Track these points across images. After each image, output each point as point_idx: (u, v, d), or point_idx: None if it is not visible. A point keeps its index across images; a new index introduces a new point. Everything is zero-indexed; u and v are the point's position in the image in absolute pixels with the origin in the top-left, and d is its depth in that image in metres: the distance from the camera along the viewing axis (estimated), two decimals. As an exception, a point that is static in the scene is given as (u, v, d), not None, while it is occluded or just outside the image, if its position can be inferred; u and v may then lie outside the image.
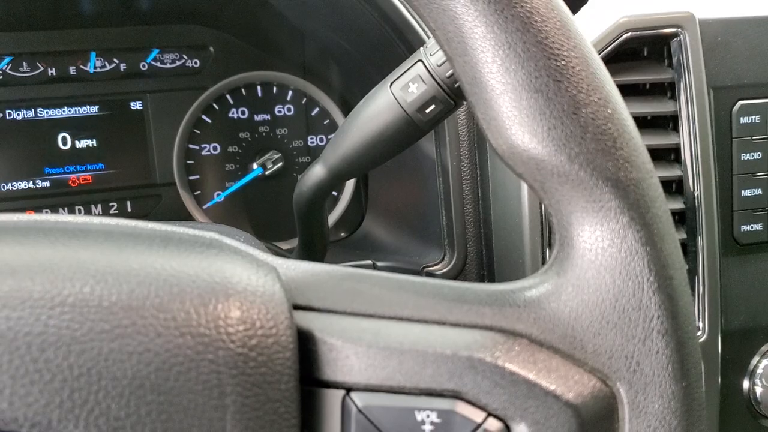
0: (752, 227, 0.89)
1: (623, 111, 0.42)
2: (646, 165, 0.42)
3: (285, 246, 1.15)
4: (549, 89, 0.41)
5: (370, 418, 0.40)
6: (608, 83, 0.42)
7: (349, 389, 0.41)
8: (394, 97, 0.69)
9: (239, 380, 0.37)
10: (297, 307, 0.43)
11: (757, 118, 0.87)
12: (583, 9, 0.87)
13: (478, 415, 0.40)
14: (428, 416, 0.40)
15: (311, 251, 0.86)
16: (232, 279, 0.40)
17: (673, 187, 0.86)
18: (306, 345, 0.41)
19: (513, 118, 0.42)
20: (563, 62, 0.41)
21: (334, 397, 0.41)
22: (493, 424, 0.40)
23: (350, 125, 0.72)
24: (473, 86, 0.43)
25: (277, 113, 1.18)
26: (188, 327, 0.38)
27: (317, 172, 0.76)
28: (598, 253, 0.42)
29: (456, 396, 0.41)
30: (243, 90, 1.16)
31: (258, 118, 1.17)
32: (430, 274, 0.93)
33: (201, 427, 0.37)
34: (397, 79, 0.70)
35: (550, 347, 0.43)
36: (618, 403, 0.42)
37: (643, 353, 0.42)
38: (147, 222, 0.45)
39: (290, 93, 1.18)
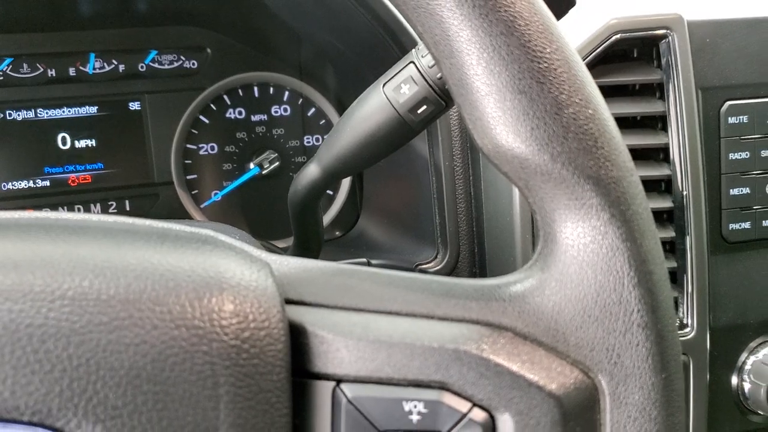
0: (740, 225, 0.90)
1: (604, 111, 0.43)
2: (627, 163, 0.44)
3: (281, 244, 1.16)
4: (532, 90, 0.42)
5: (359, 409, 0.42)
6: (589, 84, 0.43)
7: (339, 380, 0.42)
8: (387, 97, 0.70)
9: (232, 371, 0.39)
10: (289, 301, 0.44)
11: (744, 118, 0.89)
12: (572, 11, 0.88)
13: (463, 406, 0.42)
14: (415, 406, 0.42)
15: (306, 250, 0.87)
16: (226, 274, 0.41)
17: (662, 186, 0.87)
18: (298, 338, 0.42)
19: (497, 118, 0.43)
20: (545, 64, 0.42)
21: (324, 388, 0.42)
22: (478, 414, 0.42)
23: (344, 125, 0.74)
24: (459, 87, 0.44)
25: (273, 113, 1.19)
26: (183, 320, 0.39)
27: (311, 171, 0.78)
28: (580, 249, 0.44)
29: (442, 387, 0.42)
30: (240, 91, 1.18)
31: (255, 118, 1.18)
32: (423, 272, 0.94)
33: (195, 415, 0.38)
34: (389, 80, 0.71)
35: (534, 340, 0.44)
36: (599, 394, 0.43)
37: (623, 346, 0.43)
38: (145, 219, 0.46)
39: (287, 93, 1.19)
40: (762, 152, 0.89)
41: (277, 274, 0.45)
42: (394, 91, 0.70)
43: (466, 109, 0.44)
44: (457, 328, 0.44)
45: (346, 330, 0.43)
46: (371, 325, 0.44)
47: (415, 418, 0.42)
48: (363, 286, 0.46)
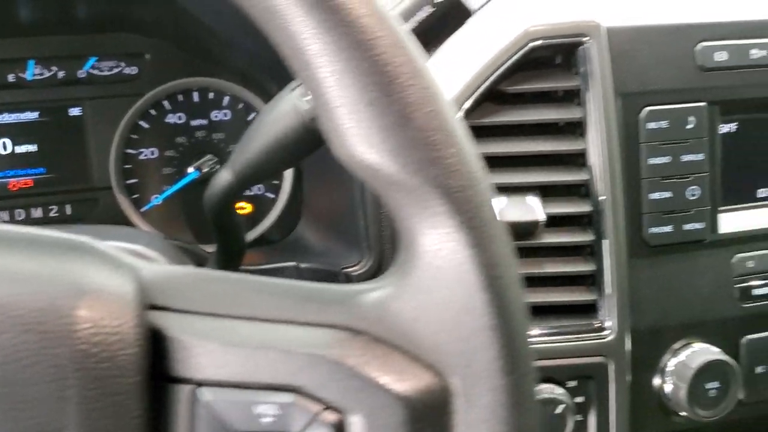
0: (662, 229, 0.91)
1: (451, 122, 0.45)
2: (473, 173, 0.45)
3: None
4: (381, 102, 0.43)
5: (215, 412, 0.43)
6: (437, 96, 0.44)
7: (199, 384, 0.44)
8: (293, 104, 0.71)
9: (81, 374, 0.40)
10: (155, 307, 0.45)
11: (664, 123, 0.90)
12: (493, 16, 0.89)
13: (315, 408, 0.43)
14: (268, 409, 0.43)
15: (228, 254, 0.88)
16: (84, 280, 0.42)
17: (583, 190, 0.88)
18: (159, 343, 0.44)
19: (350, 129, 0.44)
20: (393, 77, 0.43)
21: (183, 392, 0.44)
22: (328, 416, 0.43)
23: (255, 130, 0.74)
24: (315, 99, 0.45)
25: (213, 118, 1.19)
26: (36, 324, 0.40)
27: (224, 176, 0.78)
28: (433, 256, 0.45)
29: (295, 390, 0.43)
30: (180, 96, 1.18)
31: (195, 123, 1.19)
32: (349, 276, 0.95)
33: (43, 416, 0.40)
34: (297, 86, 0.72)
35: (389, 344, 0.45)
36: (452, 396, 0.45)
37: (473, 348, 0.44)
38: (23, 226, 0.47)
39: (227, 99, 1.20)
40: (682, 157, 0.91)
41: (145, 280, 0.46)
42: (300, 97, 0.71)
43: (322, 119, 0.45)
44: (315, 333, 0.45)
45: (207, 335, 0.44)
46: (232, 330, 0.45)
47: (267, 420, 0.43)
48: (230, 292, 0.47)
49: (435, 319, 0.45)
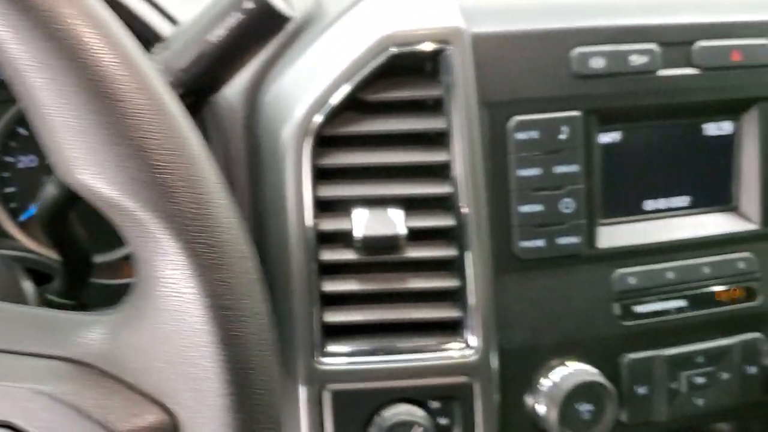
0: (533, 243, 0.88)
1: (176, 138, 0.41)
2: (201, 194, 0.42)
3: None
4: (90, 118, 0.40)
5: None
6: (161, 111, 0.41)
7: None
8: None
9: None
10: None
11: (535, 134, 0.87)
12: (356, 22, 0.85)
13: None
14: None
15: (73, 268, 0.85)
16: None
17: (447, 203, 0.85)
18: None
19: (62, 146, 0.41)
20: (103, 90, 0.40)
21: None
22: None
23: None
24: (27, 112, 0.42)
25: (96, 124, 1.15)
26: None
27: (50, 188, 0.75)
28: (157, 285, 0.42)
29: (8, 426, 0.40)
30: (61, 101, 1.14)
31: (77, 129, 1.15)
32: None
33: None
34: None
35: (115, 379, 0.42)
36: None
37: (200, 385, 0.41)
38: None
39: (110, 104, 1.16)
40: (555, 168, 0.88)
41: None
42: None
43: (39, 134, 0.42)
44: (35, 365, 0.42)
45: None
46: None
47: None
48: None
49: (161, 353, 0.42)
